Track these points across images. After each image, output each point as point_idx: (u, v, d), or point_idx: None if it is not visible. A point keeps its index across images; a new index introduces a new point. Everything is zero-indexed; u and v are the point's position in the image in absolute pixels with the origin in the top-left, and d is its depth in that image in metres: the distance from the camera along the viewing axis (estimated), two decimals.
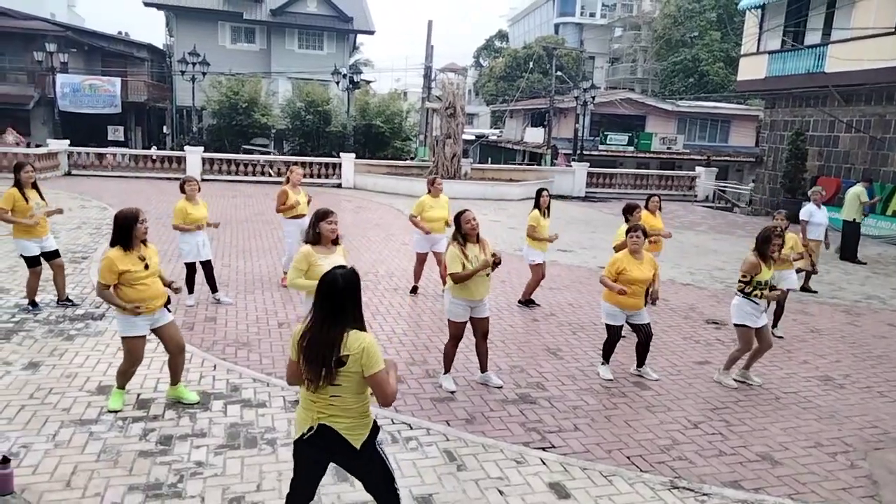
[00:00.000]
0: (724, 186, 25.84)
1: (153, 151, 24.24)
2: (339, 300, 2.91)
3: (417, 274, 8.73)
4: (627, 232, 6.00)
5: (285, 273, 8.85)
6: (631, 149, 34.72)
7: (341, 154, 22.73)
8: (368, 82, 38.65)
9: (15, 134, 25.03)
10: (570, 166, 25.49)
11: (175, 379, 5.05)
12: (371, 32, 37.22)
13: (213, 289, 7.82)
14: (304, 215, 8.59)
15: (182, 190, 7.44)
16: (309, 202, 8.66)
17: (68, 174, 20.43)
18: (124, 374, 4.94)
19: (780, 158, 20.18)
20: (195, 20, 33.71)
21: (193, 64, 25.82)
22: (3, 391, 5.07)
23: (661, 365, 6.50)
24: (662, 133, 35.49)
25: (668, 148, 35.01)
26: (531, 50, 47.65)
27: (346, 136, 27.69)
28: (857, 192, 12.95)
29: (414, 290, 8.72)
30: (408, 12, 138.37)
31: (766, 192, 21.24)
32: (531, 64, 45.72)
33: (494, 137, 48.37)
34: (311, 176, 21.27)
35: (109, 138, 30.83)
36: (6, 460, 3.72)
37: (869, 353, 7.36)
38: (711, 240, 15.12)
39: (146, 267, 4.70)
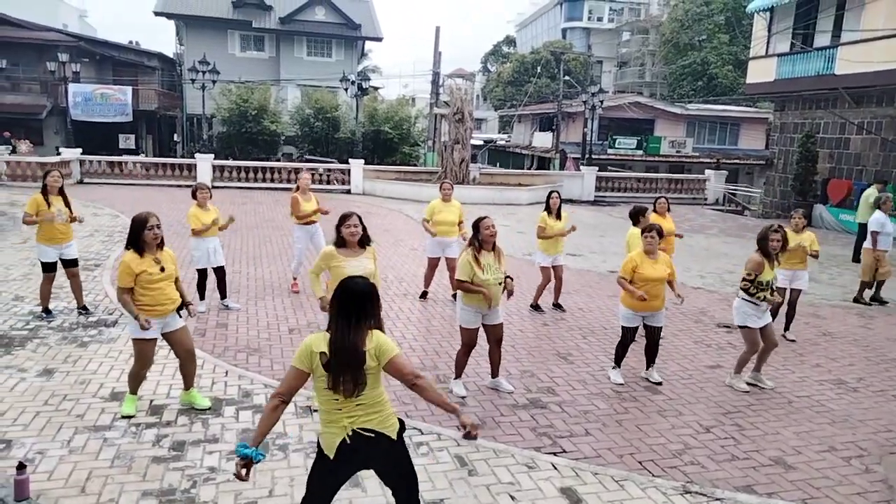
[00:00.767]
0: (734, 189, 25.73)
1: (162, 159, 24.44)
2: (357, 307, 2.93)
3: (428, 279, 8.71)
4: (642, 232, 5.97)
5: (295, 279, 8.93)
6: (640, 152, 34.62)
7: (350, 160, 22.86)
8: (377, 88, 38.83)
9: (27, 143, 25.34)
10: (580, 170, 25.46)
11: (188, 384, 5.10)
12: (379, 39, 37.37)
13: (223, 295, 7.88)
14: (314, 221, 8.65)
15: (194, 196, 7.54)
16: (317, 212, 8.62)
17: (81, 182, 20.62)
18: (136, 378, 4.99)
19: (790, 161, 20.08)
20: (205, 29, 34.07)
21: (203, 72, 26.00)
22: (19, 398, 5.13)
23: (672, 369, 6.48)
24: (671, 136, 35.38)
25: (678, 151, 34.88)
26: (539, 55, 47.69)
27: (355, 142, 27.81)
28: (871, 193, 12.84)
29: (423, 296, 8.71)
30: (412, 17, 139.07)
31: (777, 195, 21.11)
32: (539, 69, 45.72)
33: (503, 142, 48.37)
34: (321, 182, 21.44)
35: (121, 146, 31.10)
36: (22, 466, 3.77)
37: (882, 356, 7.29)
38: (722, 243, 15.04)
39: (161, 269, 4.76)
